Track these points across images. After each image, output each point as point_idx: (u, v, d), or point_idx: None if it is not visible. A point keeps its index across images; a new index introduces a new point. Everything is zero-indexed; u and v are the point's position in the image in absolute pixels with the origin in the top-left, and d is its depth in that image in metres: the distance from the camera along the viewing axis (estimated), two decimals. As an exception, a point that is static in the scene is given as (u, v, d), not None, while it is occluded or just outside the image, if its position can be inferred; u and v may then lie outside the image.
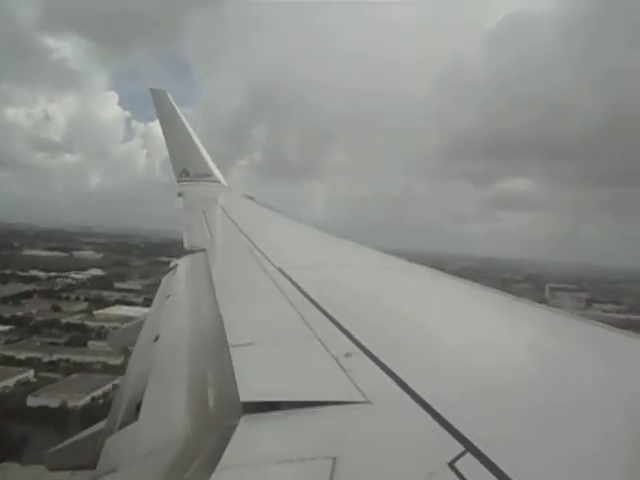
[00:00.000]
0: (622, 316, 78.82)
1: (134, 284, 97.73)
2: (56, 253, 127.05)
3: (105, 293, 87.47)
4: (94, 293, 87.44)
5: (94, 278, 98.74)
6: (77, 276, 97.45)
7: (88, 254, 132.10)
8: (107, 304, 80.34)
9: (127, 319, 73.52)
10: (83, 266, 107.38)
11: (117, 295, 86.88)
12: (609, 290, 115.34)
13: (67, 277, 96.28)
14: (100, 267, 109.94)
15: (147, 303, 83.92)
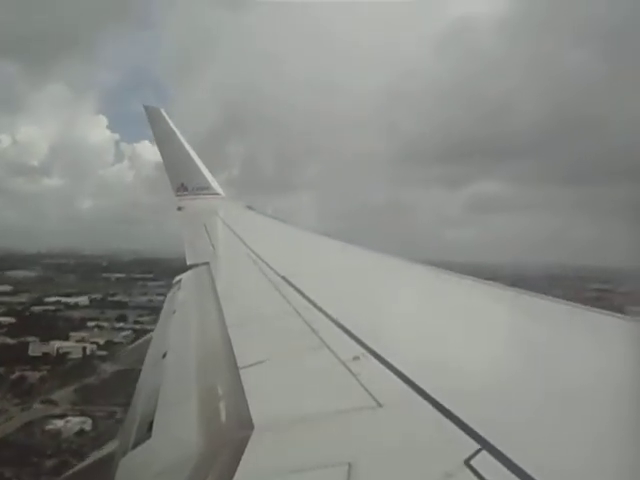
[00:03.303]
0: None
1: (22, 298, 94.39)
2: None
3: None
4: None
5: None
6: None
7: (22, 273, 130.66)
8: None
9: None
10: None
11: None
12: (554, 286, 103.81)
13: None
14: (11, 284, 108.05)
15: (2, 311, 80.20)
